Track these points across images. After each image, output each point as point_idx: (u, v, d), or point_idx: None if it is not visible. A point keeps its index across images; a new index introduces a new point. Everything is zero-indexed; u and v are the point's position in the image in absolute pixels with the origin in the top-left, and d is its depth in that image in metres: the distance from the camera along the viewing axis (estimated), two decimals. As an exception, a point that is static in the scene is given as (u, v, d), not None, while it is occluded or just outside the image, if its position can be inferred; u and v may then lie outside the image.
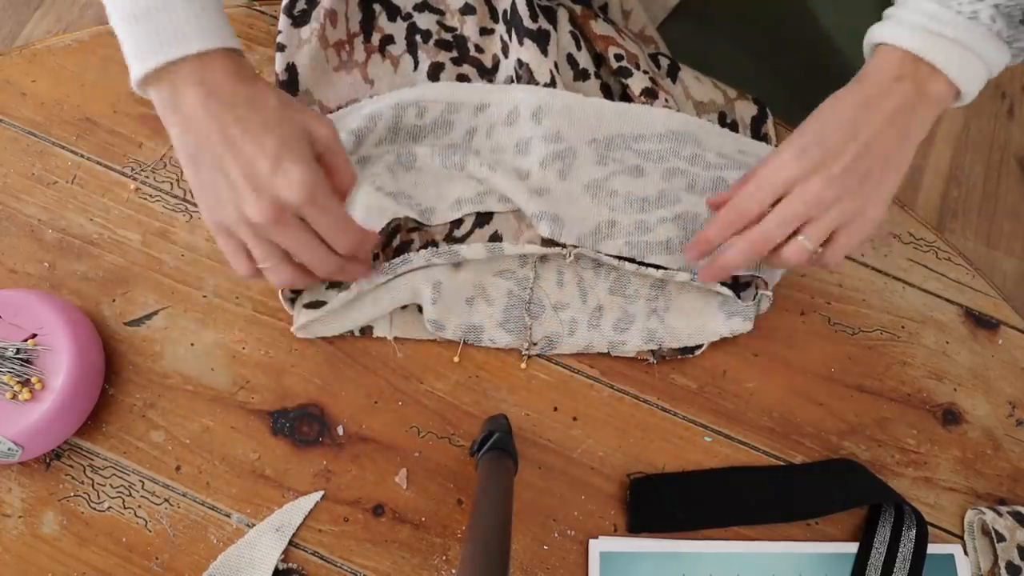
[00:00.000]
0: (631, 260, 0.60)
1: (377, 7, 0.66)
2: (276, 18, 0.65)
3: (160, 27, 0.47)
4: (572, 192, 0.61)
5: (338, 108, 0.64)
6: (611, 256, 0.59)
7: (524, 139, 0.62)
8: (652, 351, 0.61)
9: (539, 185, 0.60)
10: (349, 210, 0.57)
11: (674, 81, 0.67)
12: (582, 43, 0.66)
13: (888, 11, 0.54)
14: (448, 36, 0.66)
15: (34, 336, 0.56)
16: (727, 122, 0.67)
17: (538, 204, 0.59)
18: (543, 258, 0.62)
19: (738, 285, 0.61)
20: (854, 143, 0.51)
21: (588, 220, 0.60)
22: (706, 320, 0.61)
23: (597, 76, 0.66)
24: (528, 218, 0.60)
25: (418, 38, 0.66)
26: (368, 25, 0.65)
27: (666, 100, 0.64)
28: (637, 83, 0.64)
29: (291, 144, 0.48)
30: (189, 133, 0.48)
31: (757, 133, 0.67)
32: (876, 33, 0.54)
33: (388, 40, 0.65)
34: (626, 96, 0.66)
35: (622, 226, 0.60)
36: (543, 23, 0.64)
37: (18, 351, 0.55)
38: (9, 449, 0.53)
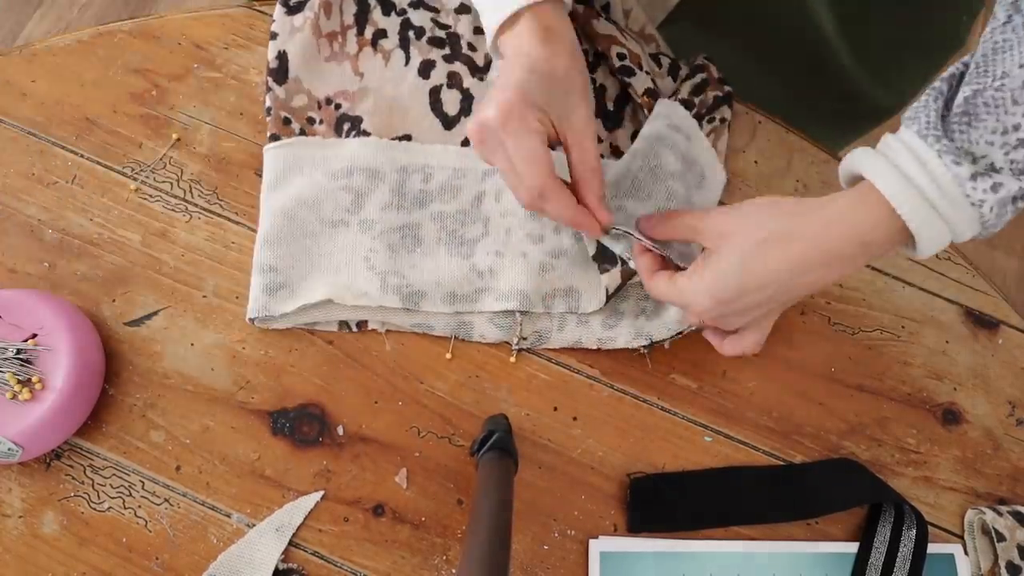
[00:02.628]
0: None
1: (372, 1, 0.66)
2: (276, 18, 0.65)
3: None
4: (591, 248, 0.61)
5: (326, 98, 0.64)
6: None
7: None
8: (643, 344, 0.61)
9: (555, 247, 0.61)
10: (325, 276, 0.59)
11: (675, 80, 0.67)
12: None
13: (887, 141, 0.47)
14: (441, 33, 0.66)
15: (34, 336, 0.56)
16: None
17: (548, 283, 0.60)
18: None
19: None
20: (775, 296, 0.50)
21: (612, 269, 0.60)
22: None
23: (590, 81, 0.66)
24: (537, 306, 0.60)
25: (411, 34, 0.66)
26: (362, 18, 0.66)
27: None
28: (640, 83, 0.64)
29: (524, 89, 0.51)
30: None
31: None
32: (864, 164, 0.47)
33: (381, 34, 0.66)
34: (624, 96, 0.66)
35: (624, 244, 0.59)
36: None
37: (18, 351, 0.55)
38: (9, 449, 0.53)
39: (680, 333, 0.61)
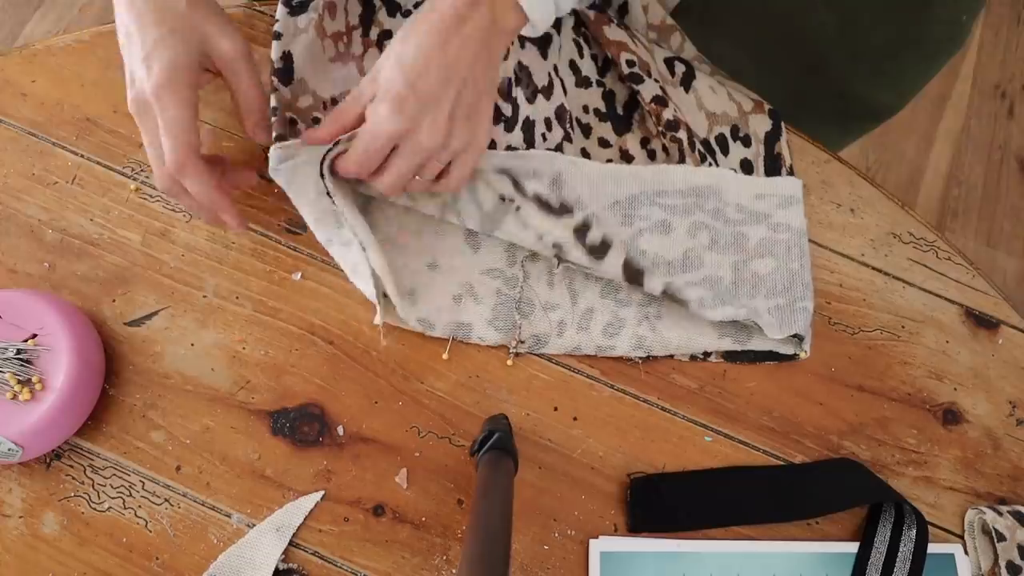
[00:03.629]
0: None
1: (377, 2, 0.66)
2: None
3: None
4: None
5: (332, 99, 0.64)
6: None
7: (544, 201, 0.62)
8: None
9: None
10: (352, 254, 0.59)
11: (687, 90, 0.67)
12: (585, 51, 0.66)
13: None
14: None
15: (34, 336, 0.56)
16: (739, 135, 0.66)
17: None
18: (532, 256, 0.62)
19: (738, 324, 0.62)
20: (452, 85, 0.52)
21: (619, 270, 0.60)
22: (697, 333, 0.61)
23: (600, 84, 0.66)
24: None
25: None
26: (367, 19, 0.66)
27: (675, 110, 0.64)
28: (648, 91, 0.64)
29: (167, 42, 0.52)
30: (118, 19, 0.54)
31: (771, 151, 0.66)
32: None
33: (386, 35, 0.65)
34: (634, 101, 0.66)
35: (655, 279, 0.60)
36: None
37: (18, 351, 0.55)
38: (9, 449, 0.53)
39: (672, 356, 0.62)
